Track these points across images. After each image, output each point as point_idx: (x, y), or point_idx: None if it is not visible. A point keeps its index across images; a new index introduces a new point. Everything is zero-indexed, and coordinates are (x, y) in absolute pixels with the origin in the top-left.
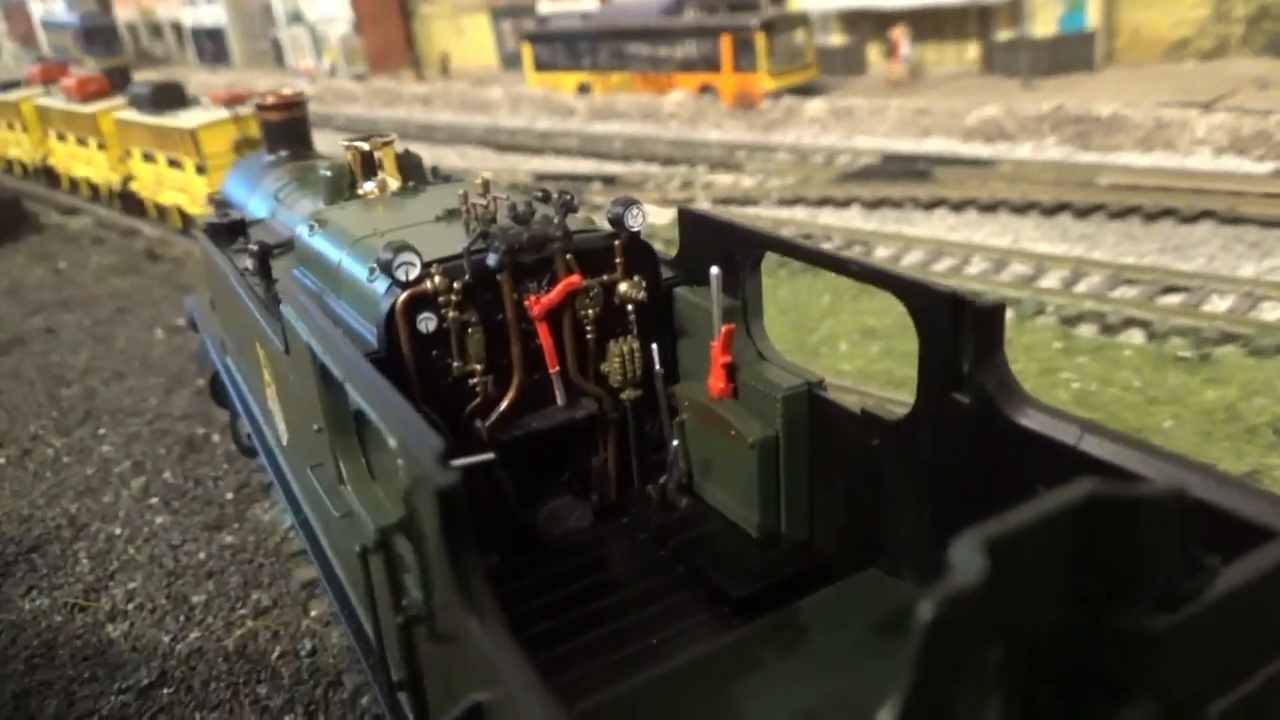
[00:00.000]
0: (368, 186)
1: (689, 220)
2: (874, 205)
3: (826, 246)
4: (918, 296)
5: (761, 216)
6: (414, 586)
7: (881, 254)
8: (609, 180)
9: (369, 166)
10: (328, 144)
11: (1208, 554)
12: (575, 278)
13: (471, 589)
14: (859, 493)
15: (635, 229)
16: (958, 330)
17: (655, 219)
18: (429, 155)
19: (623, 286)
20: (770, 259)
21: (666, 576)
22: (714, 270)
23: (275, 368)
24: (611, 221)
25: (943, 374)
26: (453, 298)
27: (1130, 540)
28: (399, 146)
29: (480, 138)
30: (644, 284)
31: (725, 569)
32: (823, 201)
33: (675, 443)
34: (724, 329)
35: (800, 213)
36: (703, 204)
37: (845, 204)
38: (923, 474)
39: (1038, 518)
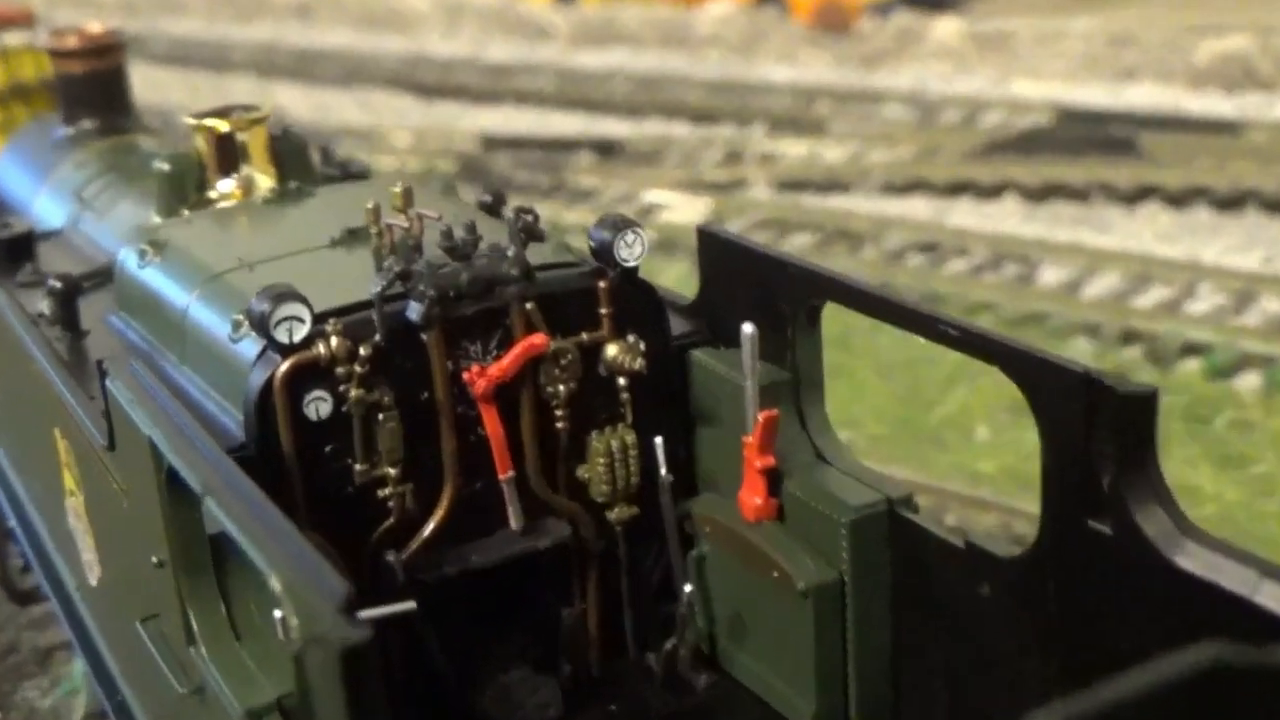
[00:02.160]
0: (225, 187)
1: (712, 248)
2: (1040, 195)
3: (948, 278)
4: (1033, 375)
5: (855, 213)
6: None
7: (1051, 278)
8: (605, 149)
9: (228, 156)
10: (149, 92)
11: None
12: (539, 337)
13: None
14: (961, 663)
15: (630, 263)
16: (1092, 428)
17: (678, 215)
18: (307, 104)
19: (611, 350)
20: None
21: None
22: (747, 329)
23: (86, 470)
24: (595, 252)
25: (1074, 491)
26: (357, 369)
27: None
28: (275, 124)
29: (393, 74)
30: (643, 346)
31: None
32: (957, 188)
33: (689, 588)
34: (763, 416)
35: (919, 205)
36: (759, 188)
37: (993, 192)
38: (1051, 636)
39: (1137, 692)
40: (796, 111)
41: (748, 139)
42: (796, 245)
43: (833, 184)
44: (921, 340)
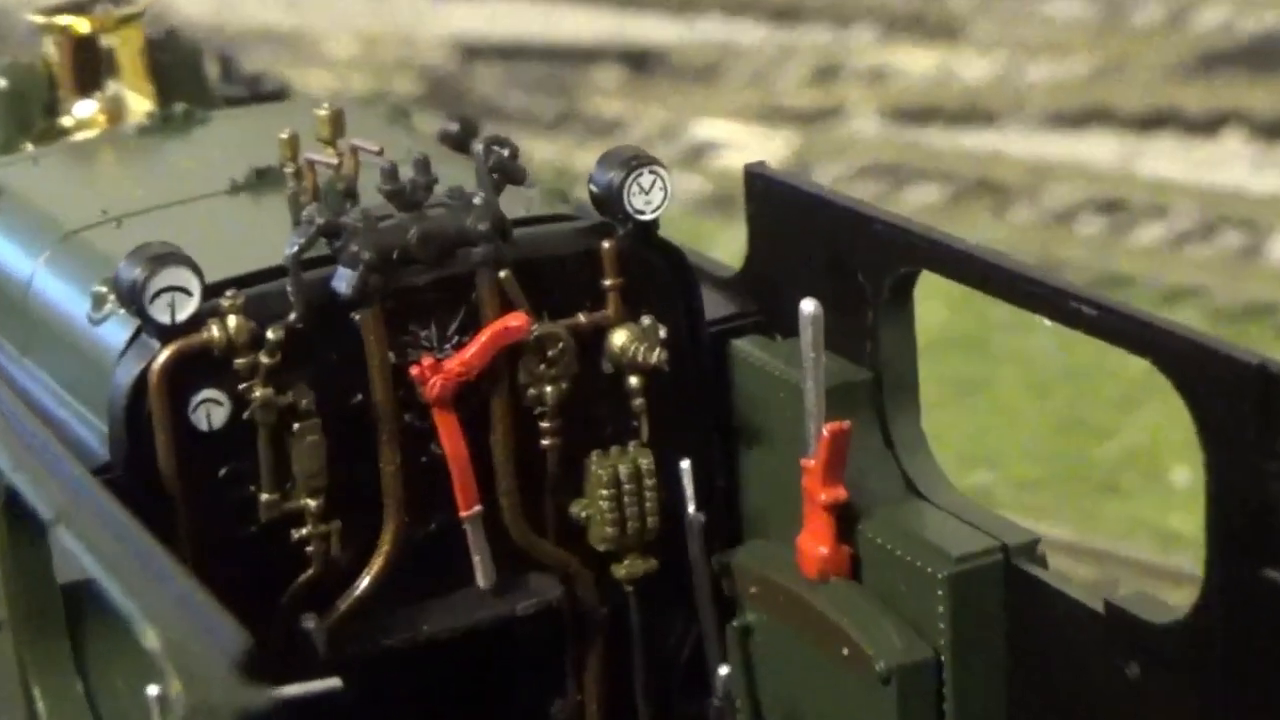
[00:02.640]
0: (85, 111)
1: (764, 196)
2: (1277, 132)
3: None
4: (1192, 369)
5: (1004, 155)
6: None
7: None
8: (638, 61)
9: (89, 68)
10: None
11: None
12: (517, 318)
13: None
14: None
15: (647, 216)
16: (1271, 441)
17: (743, 157)
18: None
19: (620, 338)
20: None
21: None
22: (808, 307)
23: None
24: (598, 200)
25: (1248, 527)
26: (263, 359)
27: None
28: (156, 24)
29: None
30: (664, 332)
31: None
32: (1154, 121)
33: (727, 671)
34: (830, 430)
35: (1099, 146)
36: (864, 119)
37: (1208, 127)
38: None
39: None
40: (920, 6)
41: (848, 45)
42: (918, 202)
43: (972, 114)
44: (1093, 343)
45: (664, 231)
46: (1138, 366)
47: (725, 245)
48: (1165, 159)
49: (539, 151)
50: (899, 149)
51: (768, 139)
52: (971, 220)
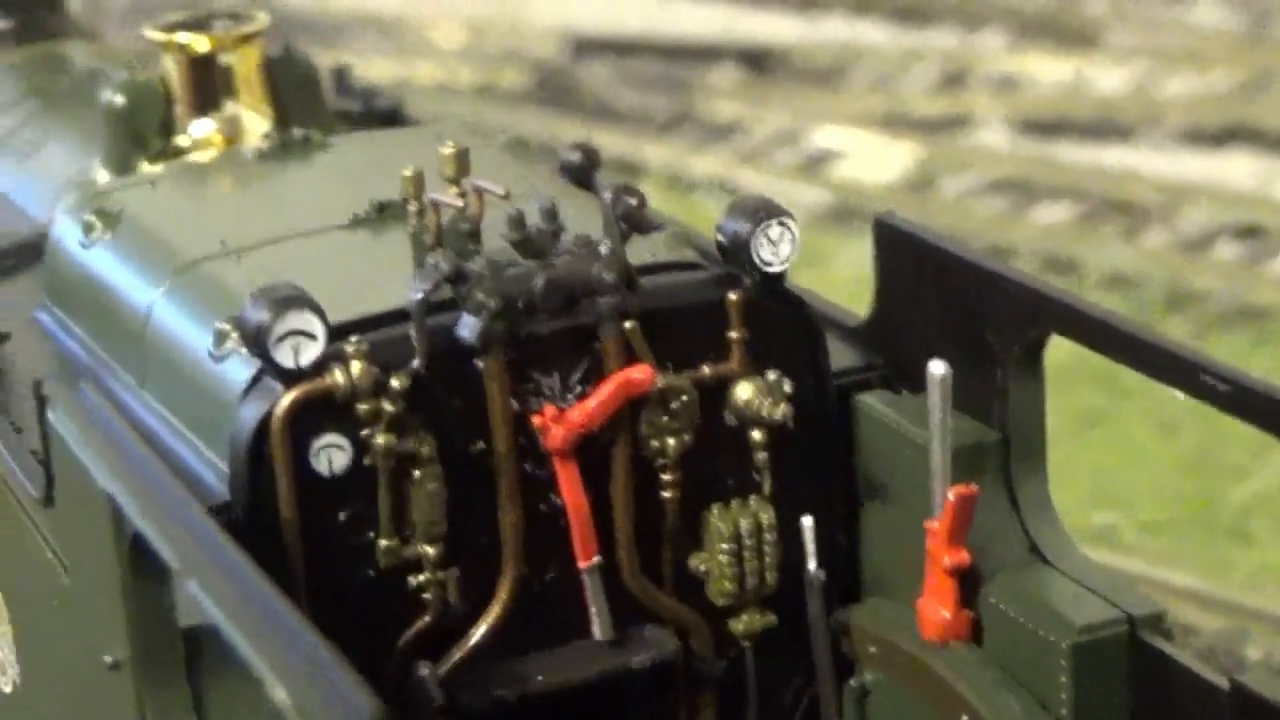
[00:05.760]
0: (202, 131)
1: (895, 248)
2: None
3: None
4: None
5: (1139, 173)
6: None
7: None
8: (756, 61)
9: (207, 87)
10: None
11: None
12: (642, 370)
13: None
14: None
15: (775, 268)
16: None
17: (864, 168)
18: None
19: (744, 391)
20: None
21: None
22: (937, 368)
23: (4, 529)
24: (725, 250)
25: None
26: (386, 406)
27: None
28: (273, 38)
29: None
30: (789, 387)
31: None
32: None
33: None
34: (956, 493)
35: (1241, 165)
36: (992, 129)
37: None
38: None
39: None
40: (1055, 10)
41: (977, 52)
42: (1046, 220)
43: (1106, 127)
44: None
45: (790, 286)
46: None
47: (846, 264)
48: None
49: (651, 154)
50: (1028, 163)
51: (889, 149)
52: (1101, 243)
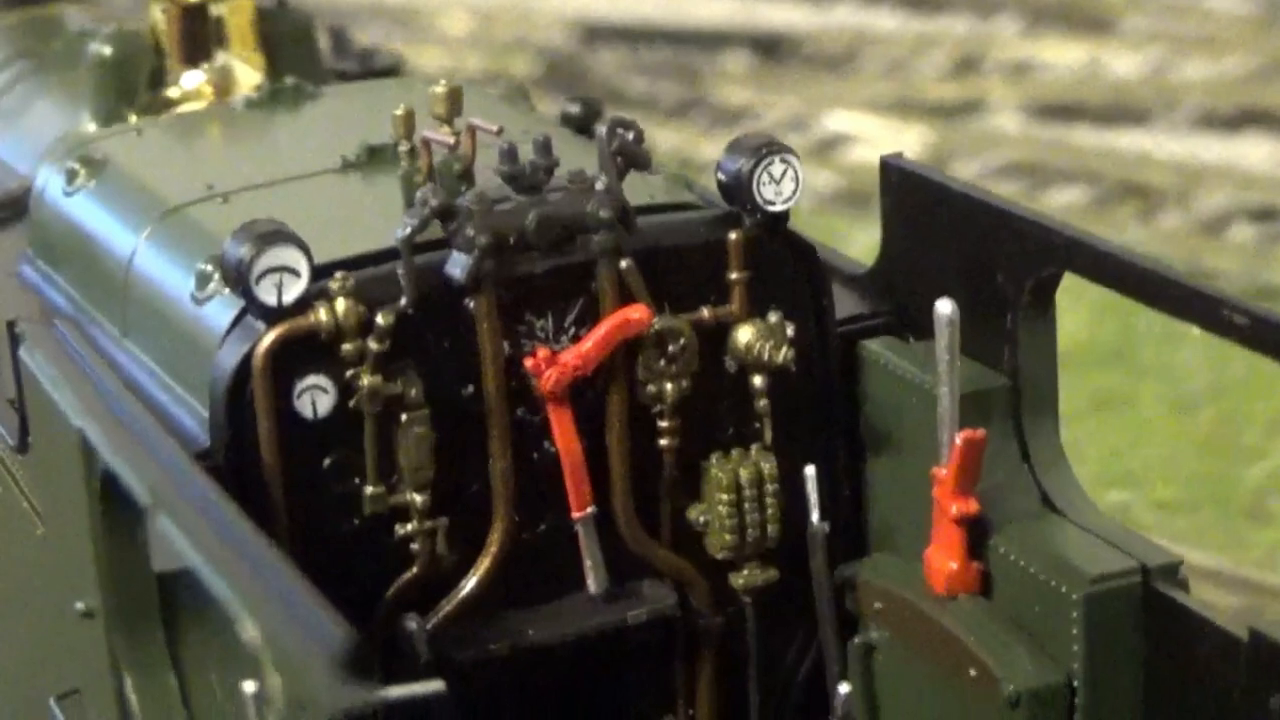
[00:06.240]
0: (192, 83)
1: (901, 189)
2: None
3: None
4: None
5: (1153, 157)
6: None
7: None
8: (768, 47)
9: (197, 38)
10: None
11: None
12: (639, 310)
13: None
14: None
15: (777, 207)
16: None
17: (876, 151)
18: None
19: (745, 334)
20: None
21: None
22: (944, 308)
23: None
24: (726, 189)
25: None
26: (372, 346)
27: None
28: None
29: None
30: (792, 330)
31: None
32: None
33: (846, 689)
34: (964, 438)
35: (1255, 151)
36: (1006, 114)
37: None
38: None
39: None
40: None
41: (990, 37)
42: (1060, 203)
43: (1121, 111)
44: (1242, 359)
45: (792, 228)
46: None
47: (857, 245)
48: None
49: (662, 140)
50: (1041, 147)
51: (901, 133)
52: (1116, 225)
